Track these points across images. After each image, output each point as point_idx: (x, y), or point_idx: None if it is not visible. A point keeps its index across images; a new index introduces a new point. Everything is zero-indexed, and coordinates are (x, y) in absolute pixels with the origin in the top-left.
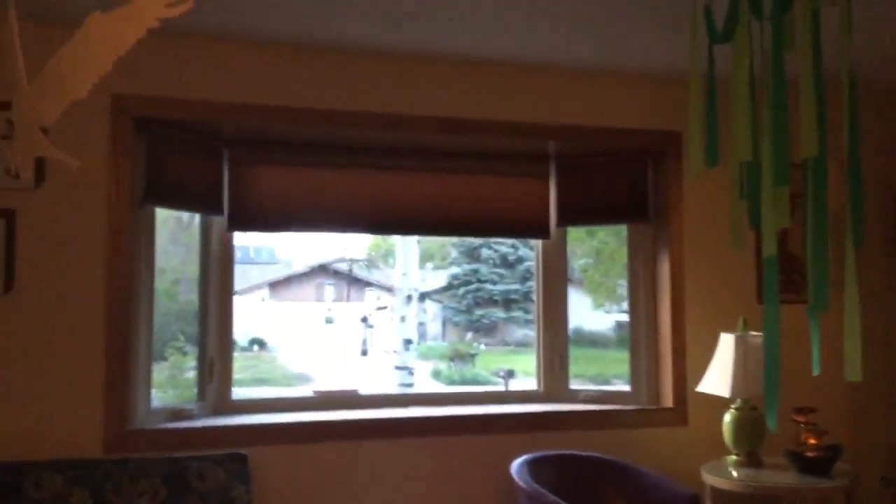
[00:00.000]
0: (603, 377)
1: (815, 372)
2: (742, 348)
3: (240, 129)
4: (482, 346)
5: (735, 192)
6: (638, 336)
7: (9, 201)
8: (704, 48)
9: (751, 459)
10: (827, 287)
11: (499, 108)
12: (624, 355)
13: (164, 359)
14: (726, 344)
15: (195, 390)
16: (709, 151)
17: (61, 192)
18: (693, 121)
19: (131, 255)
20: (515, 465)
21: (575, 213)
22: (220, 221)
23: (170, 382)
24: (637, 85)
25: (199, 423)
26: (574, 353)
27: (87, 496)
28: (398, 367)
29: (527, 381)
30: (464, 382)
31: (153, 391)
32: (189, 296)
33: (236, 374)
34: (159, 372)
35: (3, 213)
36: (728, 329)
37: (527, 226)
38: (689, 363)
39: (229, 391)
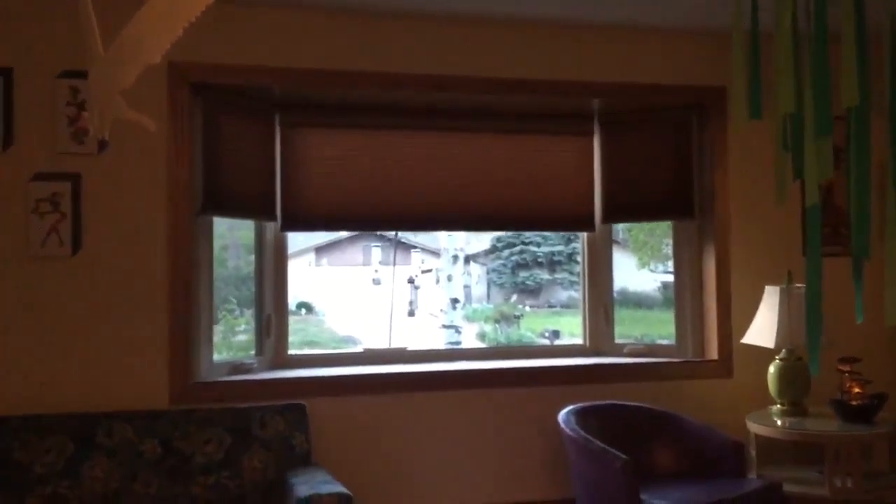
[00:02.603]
0: (649, 337)
1: (859, 319)
2: (787, 300)
3: (290, 92)
4: (527, 308)
5: (779, 144)
6: (683, 290)
7: (74, 165)
8: (748, 2)
9: (795, 409)
10: (868, 232)
11: (543, 68)
12: (670, 316)
13: (216, 321)
14: (771, 296)
15: (251, 351)
16: (752, 104)
17: (124, 157)
18: (737, 73)
19: (191, 218)
20: (562, 414)
21: (620, 201)
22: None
23: (223, 343)
24: (681, 40)
25: (258, 377)
26: (620, 313)
27: (157, 444)
28: (445, 326)
29: (572, 341)
30: (509, 344)
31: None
32: (237, 261)
33: None
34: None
35: (69, 177)
36: (774, 283)
37: (573, 218)
38: (735, 317)
39: (285, 347)
